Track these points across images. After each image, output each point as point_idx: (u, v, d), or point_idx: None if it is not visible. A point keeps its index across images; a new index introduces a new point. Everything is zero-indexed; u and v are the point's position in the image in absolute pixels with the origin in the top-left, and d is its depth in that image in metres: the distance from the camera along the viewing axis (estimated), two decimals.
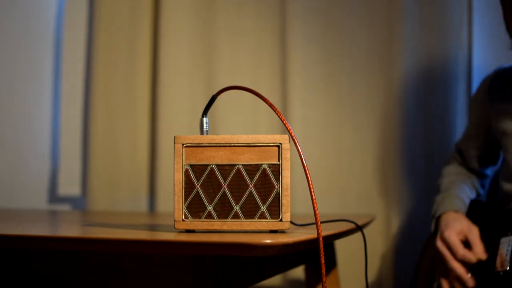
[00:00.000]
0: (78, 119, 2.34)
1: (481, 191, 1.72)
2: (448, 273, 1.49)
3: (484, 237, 1.50)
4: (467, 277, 1.45)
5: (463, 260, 1.46)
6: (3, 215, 1.68)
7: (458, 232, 1.49)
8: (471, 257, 1.45)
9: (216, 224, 1.06)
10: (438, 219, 1.58)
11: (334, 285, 1.82)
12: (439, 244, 1.51)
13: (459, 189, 1.64)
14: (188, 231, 1.07)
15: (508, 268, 1.40)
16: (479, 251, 1.46)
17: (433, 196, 1.70)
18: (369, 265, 1.97)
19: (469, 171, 1.74)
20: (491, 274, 1.43)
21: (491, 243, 1.47)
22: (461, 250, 1.46)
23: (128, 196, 2.25)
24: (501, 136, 1.60)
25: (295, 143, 1.03)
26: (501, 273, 1.42)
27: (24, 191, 2.34)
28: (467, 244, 1.49)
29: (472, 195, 1.67)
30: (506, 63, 1.70)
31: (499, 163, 1.73)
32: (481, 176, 1.74)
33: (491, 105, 1.63)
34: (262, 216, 1.06)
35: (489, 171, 1.76)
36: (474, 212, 1.60)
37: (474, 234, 1.48)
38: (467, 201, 1.62)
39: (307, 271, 1.86)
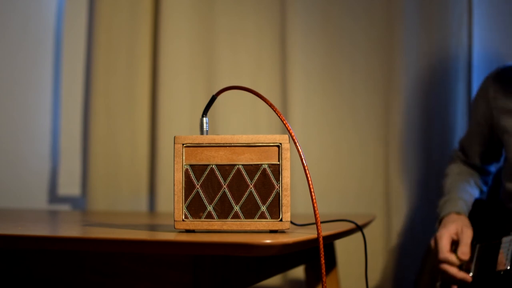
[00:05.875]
0: (78, 119, 2.34)
1: (484, 189, 1.73)
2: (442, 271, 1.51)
3: (487, 236, 1.50)
4: (461, 275, 1.47)
5: (446, 261, 1.49)
6: (3, 215, 1.68)
7: (453, 233, 1.52)
8: (453, 259, 1.48)
9: (216, 224, 1.06)
10: (441, 221, 1.60)
11: (334, 285, 1.82)
12: (432, 243, 1.55)
13: (461, 190, 1.65)
14: (188, 231, 1.07)
15: (508, 268, 1.41)
16: (462, 251, 1.48)
17: (433, 196, 1.71)
18: (369, 265, 1.96)
19: (472, 169, 1.74)
20: (492, 274, 1.44)
21: (492, 242, 1.48)
22: (443, 253, 1.49)
23: (128, 196, 2.25)
24: (503, 134, 1.61)
25: (295, 143, 1.03)
26: (501, 273, 1.42)
27: (24, 191, 2.34)
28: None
29: (475, 193, 1.68)
30: (506, 62, 1.69)
31: (502, 161, 1.74)
32: (484, 173, 1.75)
33: (494, 103, 1.63)
34: (262, 216, 1.06)
35: (493, 168, 1.76)
36: (477, 211, 1.61)
37: (465, 235, 1.50)
38: (470, 201, 1.63)
39: (307, 271, 1.86)
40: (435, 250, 1.52)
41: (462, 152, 1.77)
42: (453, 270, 1.48)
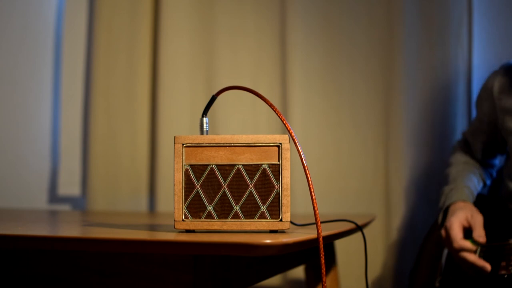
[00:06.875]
0: (78, 119, 2.34)
1: (488, 182, 1.73)
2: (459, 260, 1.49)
3: (489, 236, 1.49)
4: (481, 263, 1.44)
5: (461, 249, 1.46)
6: (3, 215, 1.68)
7: (463, 220, 1.49)
8: (468, 245, 1.46)
9: (216, 224, 1.06)
10: (446, 210, 1.58)
11: (334, 285, 1.82)
12: (442, 233, 1.52)
13: (467, 179, 1.64)
14: (188, 231, 1.07)
15: None
16: (479, 234, 1.46)
17: (433, 196, 1.70)
18: (369, 265, 1.96)
19: (476, 161, 1.73)
20: (496, 277, 1.43)
21: (496, 244, 1.47)
22: (457, 242, 1.46)
23: (128, 196, 2.25)
24: (507, 134, 1.59)
25: (295, 143, 1.03)
26: (505, 276, 1.41)
27: (24, 191, 2.34)
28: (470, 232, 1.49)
29: (479, 186, 1.68)
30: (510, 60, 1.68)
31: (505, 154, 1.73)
32: (488, 166, 1.74)
33: (499, 103, 1.61)
34: (262, 216, 1.06)
35: (497, 161, 1.75)
36: (479, 208, 1.59)
37: (477, 220, 1.48)
38: (475, 192, 1.63)
39: (307, 271, 1.86)
40: (448, 241, 1.49)
41: (465, 144, 1.76)
42: (472, 257, 1.45)
